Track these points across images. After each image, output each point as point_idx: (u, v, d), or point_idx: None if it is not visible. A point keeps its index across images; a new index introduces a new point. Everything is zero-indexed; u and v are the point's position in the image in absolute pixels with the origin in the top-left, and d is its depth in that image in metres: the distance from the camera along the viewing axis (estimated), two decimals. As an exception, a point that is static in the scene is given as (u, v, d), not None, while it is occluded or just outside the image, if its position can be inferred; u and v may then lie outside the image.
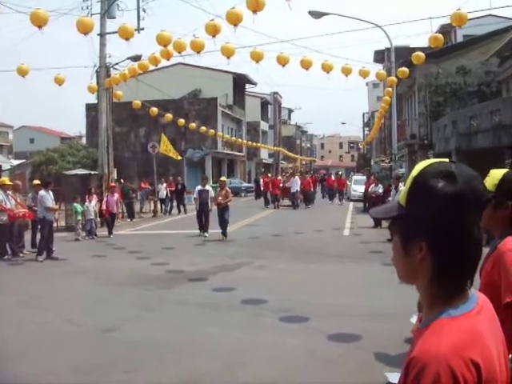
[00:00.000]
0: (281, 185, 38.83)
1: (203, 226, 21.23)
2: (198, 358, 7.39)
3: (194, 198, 21.95)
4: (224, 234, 20.00)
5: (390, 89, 30.75)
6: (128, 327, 8.99)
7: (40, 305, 10.65)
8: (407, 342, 7.16)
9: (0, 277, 13.70)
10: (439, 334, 1.50)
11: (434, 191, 1.55)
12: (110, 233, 22.00)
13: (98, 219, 23.24)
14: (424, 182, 1.58)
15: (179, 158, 35.57)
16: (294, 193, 37.40)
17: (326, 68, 20.29)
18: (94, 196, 22.04)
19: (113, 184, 24.51)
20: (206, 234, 20.98)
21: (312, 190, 40.83)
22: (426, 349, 1.48)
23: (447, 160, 1.66)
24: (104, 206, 22.44)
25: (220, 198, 20.32)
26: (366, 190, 32.37)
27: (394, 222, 1.70)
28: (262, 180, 43.87)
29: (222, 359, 7.31)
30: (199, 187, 21.56)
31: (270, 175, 44.10)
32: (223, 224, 20.08)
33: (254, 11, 14.08)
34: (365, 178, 37.46)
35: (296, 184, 37.48)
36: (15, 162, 63.14)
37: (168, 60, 20.44)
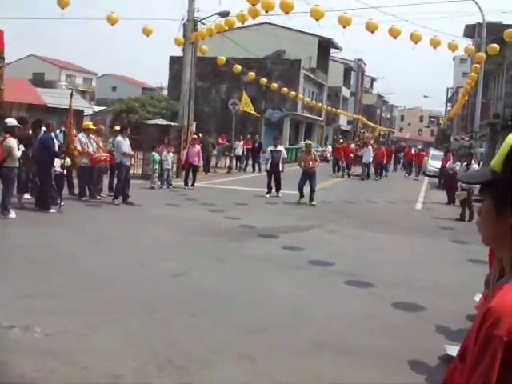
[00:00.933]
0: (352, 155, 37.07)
1: (271, 186, 20.86)
2: (262, 309, 7.57)
3: (266, 159, 21.77)
4: (311, 198, 19.30)
5: (478, 65, 29.91)
6: (197, 274, 9.25)
7: (113, 245, 11.04)
8: (469, 319, 7.16)
9: (77, 216, 14.17)
10: None
11: None
12: (193, 185, 22.31)
13: (175, 170, 23.65)
14: None
15: (257, 114, 35.58)
16: (365, 163, 34.96)
17: (415, 38, 19.91)
18: (171, 147, 22.29)
19: (195, 136, 24.76)
20: (279, 195, 20.66)
21: (385, 161, 38.63)
22: (504, 301, 1.52)
23: None
24: (184, 157, 22.78)
25: (311, 162, 19.70)
26: (443, 165, 31.94)
27: (485, 186, 1.74)
28: (333, 147, 42.69)
29: (285, 313, 7.46)
30: (271, 147, 21.39)
31: (341, 141, 41.07)
32: (311, 189, 19.46)
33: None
34: (442, 153, 36.67)
35: (369, 154, 35.03)
36: (97, 109, 64.34)
37: (255, 18, 20.44)
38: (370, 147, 36.37)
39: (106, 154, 17.20)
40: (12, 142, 12.79)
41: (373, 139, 48.69)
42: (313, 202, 19.17)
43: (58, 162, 14.71)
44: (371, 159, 35.05)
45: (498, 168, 1.66)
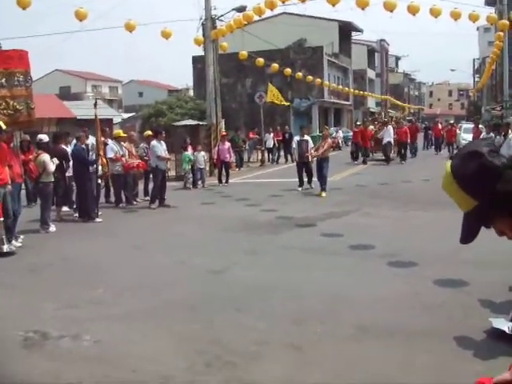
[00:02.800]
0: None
1: (303, 178, 19.90)
2: (304, 298, 7.58)
3: (294, 149, 20.78)
4: (323, 188, 18.37)
5: (502, 33, 29.50)
6: (237, 269, 9.30)
7: (153, 248, 11.15)
8: (512, 291, 7.13)
9: (115, 223, 14.34)
10: None
11: None
12: (227, 181, 22.40)
13: (207, 168, 23.76)
14: None
15: (287, 103, 35.15)
16: (385, 144, 31.33)
17: (434, 13, 19.75)
18: (198, 146, 22.32)
19: (224, 133, 24.88)
20: (311, 186, 19.87)
21: (409, 141, 34.34)
22: None
23: None
24: (215, 155, 22.89)
25: (321, 149, 19.05)
26: (475, 138, 31.49)
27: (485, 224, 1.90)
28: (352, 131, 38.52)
29: (327, 300, 7.47)
30: (297, 137, 20.24)
31: (359, 124, 37.65)
32: (321, 178, 18.52)
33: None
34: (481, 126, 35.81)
35: (388, 134, 31.39)
36: (125, 116, 64.93)
37: (272, 10, 20.44)
38: (390, 127, 32.67)
39: (138, 161, 17.35)
40: (46, 157, 13.06)
41: (393, 118, 44.65)
42: (323, 193, 18.28)
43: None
44: (392, 139, 31.62)
45: (466, 208, 1.85)
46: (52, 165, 13.09)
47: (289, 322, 6.70)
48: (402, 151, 32.51)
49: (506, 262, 8.66)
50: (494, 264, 8.93)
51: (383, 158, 31.70)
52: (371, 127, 35.16)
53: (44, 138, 13.89)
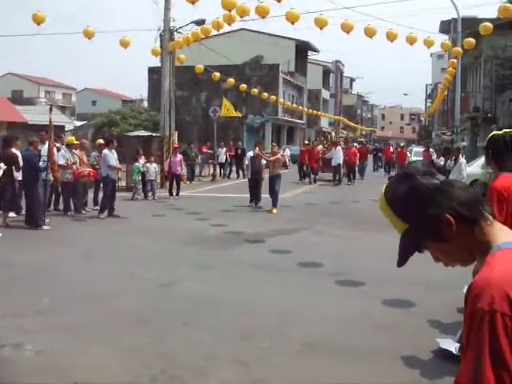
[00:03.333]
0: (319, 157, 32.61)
1: (255, 195, 19.57)
2: (253, 314, 7.56)
3: (246, 165, 20.69)
4: (274, 205, 18.31)
5: (455, 60, 30.10)
6: (186, 283, 9.22)
7: (102, 258, 10.99)
8: (460, 312, 7.20)
9: (63, 231, 14.11)
10: (492, 264, 1.62)
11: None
12: (177, 194, 22.27)
13: (159, 180, 23.61)
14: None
15: (240, 115, 34.83)
16: (335, 166, 30.69)
17: (391, 37, 20.04)
18: (150, 157, 22.18)
19: (176, 145, 24.81)
20: (259, 205, 19.44)
21: (358, 162, 34.42)
22: (482, 277, 1.61)
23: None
24: (166, 168, 22.76)
25: (272, 165, 18.92)
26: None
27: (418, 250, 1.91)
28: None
29: (276, 316, 7.46)
30: (251, 153, 20.05)
31: (306, 143, 36.06)
32: (273, 195, 18.43)
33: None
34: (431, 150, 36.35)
35: (338, 155, 30.72)
36: (78, 123, 64.25)
37: (230, 25, 20.49)
38: (339, 147, 31.91)
39: (90, 169, 17.13)
40: None
41: (343, 139, 44.24)
42: (274, 209, 18.29)
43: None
44: (341, 161, 30.94)
45: (400, 231, 1.87)
46: None
47: (237, 337, 6.67)
48: (351, 173, 32.69)
49: (453, 283, 8.76)
50: (441, 285, 9.04)
51: (331, 179, 31.18)
52: (319, 147, 35.21)
53: None
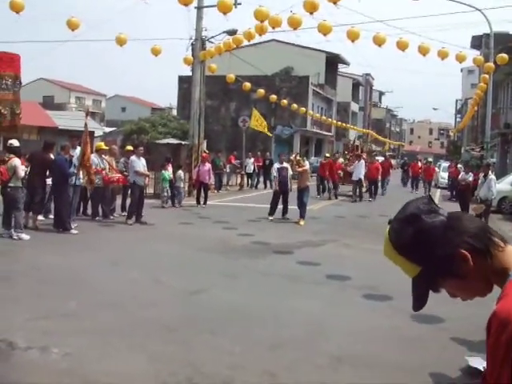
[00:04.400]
0: (340, 171, 31.39)
1: (275, 208, 19.04)
2: (281, 325, 7.50)
3: (274, 177, 20.08)
4: (302, 216, 18.24)
5: (487, 75, 29.83)
6: (214, 291, 9.19)
7: (129, 264, 11.00)
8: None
9: (91, 236, 14.17)
10: None
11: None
12: (205, 203, 22.25)
13: (186, 189, 23.65)
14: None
15: (270, 134, 34.28)
16: (356, 181, 28.87)
17: (423, 51, 19.89)
18: (181, 165, 22.27)
19: (205, 154, 24.83)
20: (286, 217, 19.19)
21: (380, 178, 32.08)
22: (504, 307, 1.53)
23: None
24: (195, 176, 22.77)
25: (300, 177, 19.05)
26: (453, 177, 31.77)
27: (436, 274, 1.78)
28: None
29: (304, 328, 7.41)
30: (277, 164, 19.79)
31: (327, 155, 33.23)
32: (302, 206, 18.37)
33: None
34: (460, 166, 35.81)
35: (360, 169, 29.00)
36: (107, 130, 64.64)
37: (261, 35, 20.48)
38: (362, 161, 30.10)
39: (119, 175, 17.23)
40: (16, 161, 13.05)
41: (366, 151, 41.62)
42: (302, 220, 18.16)
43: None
44: (362, 176, 29.26)
45: (412, 275, 1.79)
46: (22, 170, 13.02)
47: (264, 347, 6.61)
48: (373, 188, 30.54)
49: (482, 300, 8.63)
50: (470, 303, 8.86)
51: (352, 193, 29.23)
52: (341, 160, 33.43)
53: (14, 142, 13.69)
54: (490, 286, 1.77)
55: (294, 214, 18.64)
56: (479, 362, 6.03)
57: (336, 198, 29.33)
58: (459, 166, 33.56)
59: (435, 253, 1.69)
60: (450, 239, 1.69)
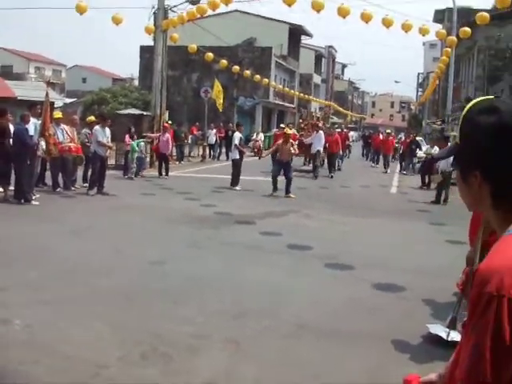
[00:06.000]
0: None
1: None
2: (243, 294, 7.55)
3: (235, 145, 19.94)
4: (288, 190, 17.95)
5: (449, 49, 29.94)
6: (176, 261, 9.18)
7: (90, 235, 10.94)
8: (448, 298, 7.21)
9: (52, 207, 14.01)
10: (503, 250, 1.56)
11: (477, 124, 1.68)
12: (167, 174, 22.18)
13: (148, 159, 23.47)
14: (470, 118, 1.73)
15: (220, 108, 33.49)
16: (314, 154, 25.98)
17: (386, 23, 19.96)
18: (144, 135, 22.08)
19: (166, 124, 24.66)
20: (236, 188, 19.23)
21: (341, 152, 30.17)
22: (490, 262, 1.53)
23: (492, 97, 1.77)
24: (153, 140, 22.54)
25: (292, 150, 18.63)
26: (403, 150, 32.11)
27: (454, 159, 1.85)
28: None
29: (265, 297, 7.46)
30: (238, 134, 20.30)
31: (282, 126, 30.29)
32: (288, 182, 18.16)
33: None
34: (420, 139, 35.75)
35: (319, 141, 26.32)
36: (68, 100, 63.70)
37: (227, 5, 20.31)
38: (321, 132, 27.40)
39: (73, 144, 16.89)
40: None
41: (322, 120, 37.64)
42: (291, 195, 17.88)
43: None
44: (321, 148, 26.44)
45: (458, 139, 1.80)
46: None
47: (228, 316, 6.64)
48: (332, 164, 27.92)
49: (443, 270, 8.81)
50: (431, 272, 9.08)
51: (311, 169, 26.86)
52: (293, 130, 27.66)
53: None
54: (477, 208, 1.83)
55: (259, 184, 18.69)
56: (440, 329, 6.15)
57: None
58: (419, 138, 33.82)
59: (481, 151, 1.65)
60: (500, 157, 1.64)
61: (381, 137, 37.75)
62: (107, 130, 17.08)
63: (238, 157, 19.91)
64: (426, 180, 22.76)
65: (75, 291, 7.26)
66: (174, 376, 5.12)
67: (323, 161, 29.03)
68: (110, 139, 17.32)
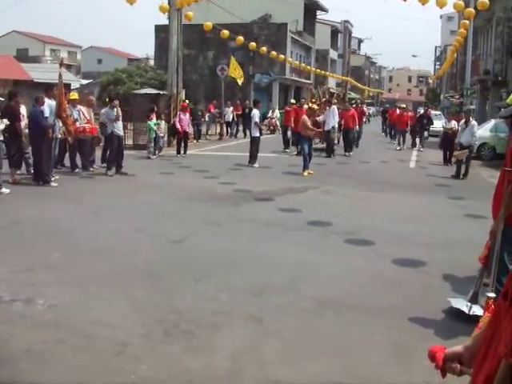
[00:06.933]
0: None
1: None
2: (264, 271, 7.57)
3: (255, 123, 19.74)
4: (306, 166, 17.64)
5: (467, 21, 29.46)
6: (197, 239, 9.20)
7: (110, 215, 10.98)
8: (469, 271, 7.17)
9: (71, 188, 14.05)
10: None
11: None
12: (185, 152, 22.30)
13: (166, 139, 23.48)
14: None
15: (240, 82, 33.34)
16: (328, 131, 23.96)
17: (404, -6, 19.69)
18: (161, 115, 22.05)
19: (185, 103, 24.65)
20: (255, 165, 19.36)
21: (358, 128, 28.46)
22: None
23: None
24: (178, 125, 22.49)
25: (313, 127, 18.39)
26: (411, 125, 30.63)
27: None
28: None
29: (286, 273, 7.45)
30: (256, 111, 20.01)
31: (292, 101, 29.68)
32: (305, 157, 17.79)
33: None
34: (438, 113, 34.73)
35: (332, 117, 24.56)
36: (84, 82, 63.86)
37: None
38: (334, 107, 25.57)
39: (88, 125, 16.90)
40: None
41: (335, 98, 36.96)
42: (310, 171, 17.61)
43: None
44: (336, 124, 25.07)
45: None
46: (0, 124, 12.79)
47: (249, 293, 6.65)
48: (348, 142, 26.27)
49: (463, 243, 8.78)
50: (451, 245, 9.04)
51: (323, 147, 25.43)
52: (305, 106, 25.44)
53: None
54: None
55: (274, 160, 18.64)
56: (462, 304, 6.12)
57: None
58: (438, 112, 33.39)
59: None
60: None
61: (398, 111, 35.29)
62: (115, 110, 16.89)
63: (258, 134, 19.87)
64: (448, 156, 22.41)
65: (97, 271, 7.30)
66: (196, 352, 5.13)
67: (338, 140, 27.75)
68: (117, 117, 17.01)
